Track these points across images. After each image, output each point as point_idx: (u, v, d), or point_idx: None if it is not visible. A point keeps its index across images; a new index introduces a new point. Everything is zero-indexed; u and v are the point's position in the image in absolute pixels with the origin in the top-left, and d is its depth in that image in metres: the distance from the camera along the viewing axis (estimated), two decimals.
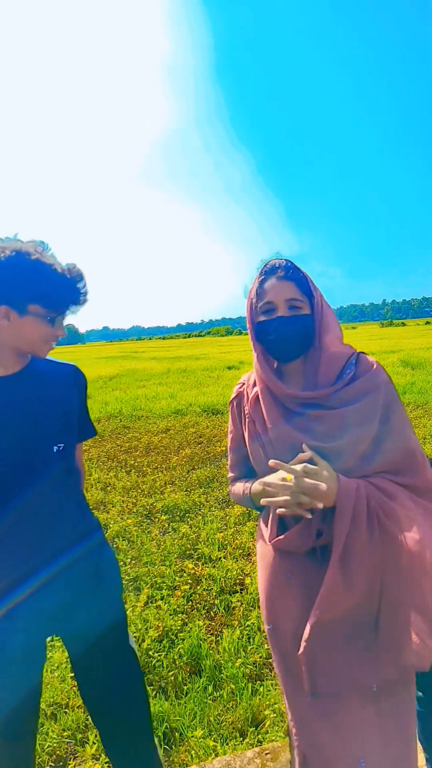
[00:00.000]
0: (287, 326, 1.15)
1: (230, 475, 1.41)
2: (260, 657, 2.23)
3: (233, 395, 1.37)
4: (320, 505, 1.03)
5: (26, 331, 1.13)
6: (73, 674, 2.16)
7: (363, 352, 1.22)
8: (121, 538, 3.53)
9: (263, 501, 1.11)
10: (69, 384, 1.31)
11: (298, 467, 1.05)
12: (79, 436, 1.36)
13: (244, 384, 1.35)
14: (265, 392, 1.21)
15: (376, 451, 1.11)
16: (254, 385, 1.29)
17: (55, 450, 1.21)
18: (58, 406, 1.25)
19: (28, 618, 1.18)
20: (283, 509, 1.07)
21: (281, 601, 1.19)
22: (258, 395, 1.24)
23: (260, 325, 1.20)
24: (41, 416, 1.21)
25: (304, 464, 1.06)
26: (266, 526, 1.21)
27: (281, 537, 1.14)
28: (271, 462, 1.08)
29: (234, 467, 1.39)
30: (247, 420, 1.29)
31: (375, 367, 1.17)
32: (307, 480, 1.03)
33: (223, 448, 5.66)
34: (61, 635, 1.29)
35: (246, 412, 1.30)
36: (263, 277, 1.20)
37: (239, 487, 1.32)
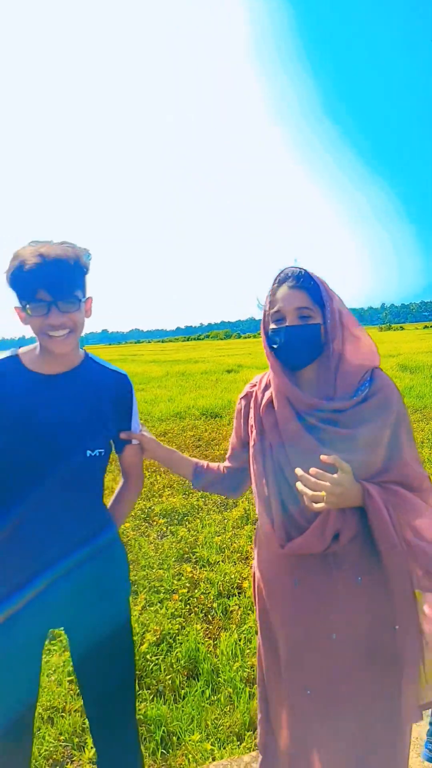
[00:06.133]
0: (295, 335, 1.16)
1: (226, 464, 1.47)
2: None
3: (243, 393, 1.39)
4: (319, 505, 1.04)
5: (32, 325, 1.18)
6: (71, 677, 2.16)
7: (378, 368, 1.22)
8: None
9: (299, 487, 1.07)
10: (108, 390, 1.31)
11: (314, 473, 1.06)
12: (116, 444, 1.38)
13: (255, 385, 1.36)
14: (281, 398, 1.21)
15: (385, 466, 1.13)
16: (265, 388, 1.30)
17: (88, 455, 1.23)
18: (96, 411, 1.26)
19: (33, 609, 1.19)
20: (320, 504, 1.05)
21: (288, 608, 1.20)
22: (271, 399, 1.25)
23: (271, 333, 1.21)
24: (76, 419, 1.22)
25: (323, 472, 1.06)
26: (272, 530, 1.21)
27: (296, 539, 1.14)
28: (312, 471, 1.07)
29: (230, 458, 1.46)
30: (254, 422, 1.29)
31: (388, 385, 1.18)
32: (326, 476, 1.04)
33: (222, 452, 5.66)
34: (65, 626, 1.29)
35: (252, 414, 1.31)
36: (276, 285, 1.21)
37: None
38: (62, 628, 1.29)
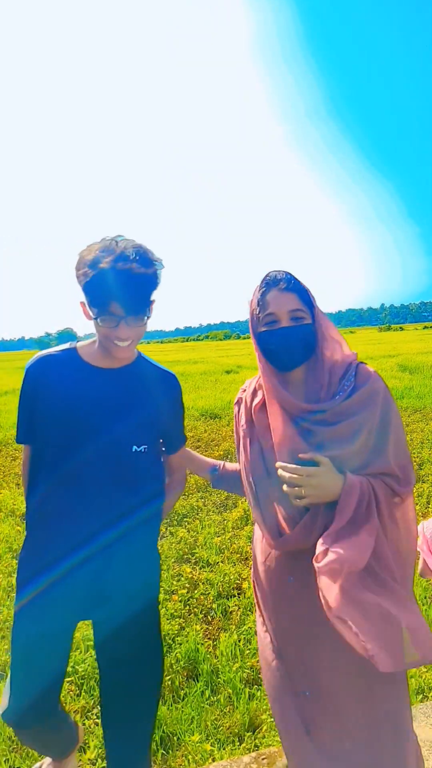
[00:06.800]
0: (290, 336, 1.17)
1: (236, 465, 1.46)
2: (257, 661, 2.22)
3: (236, 399, 1.40)
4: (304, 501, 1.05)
5: (98, 331, 1.20)
6: (70, 678, 2.16)
7: (363, 362, 1.24)
8: None
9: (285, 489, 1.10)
10: (160, 389, 1.33)
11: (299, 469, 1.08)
12: (168, 445, 1.39)
13: (246, 390, 1.37)
14: (273, 402, 1.22)
15: (372, 460, 1.13)
16: (254, 392, 1.31)
17: (133, 450, 1.24)
18: (146, 408, 1.28)
19: (63, 599, 1.21)
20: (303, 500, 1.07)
21: (286, 606, 1.21)
22: (261, 403, 1.26)
23: (262, 336, 1.21)
24: (126, 413, 1.24)
25: (303, 467, 1.08)
26: (264, 529, 1.22)
27: (286, 536, 1.15)
28: (278, 464, 1.10)
29: (238, 461, 1.44)
30: (245, 426, 1.30)
31: (373, 379, 1.19)
32: (299, 470, 1.06)
33: (221, 452, 5.67)
34: (93, 619, 1.30)
35: (243, 418, 1.32)
36: (264, 288, 1.21)
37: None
38: (90, 620, 1.30)
